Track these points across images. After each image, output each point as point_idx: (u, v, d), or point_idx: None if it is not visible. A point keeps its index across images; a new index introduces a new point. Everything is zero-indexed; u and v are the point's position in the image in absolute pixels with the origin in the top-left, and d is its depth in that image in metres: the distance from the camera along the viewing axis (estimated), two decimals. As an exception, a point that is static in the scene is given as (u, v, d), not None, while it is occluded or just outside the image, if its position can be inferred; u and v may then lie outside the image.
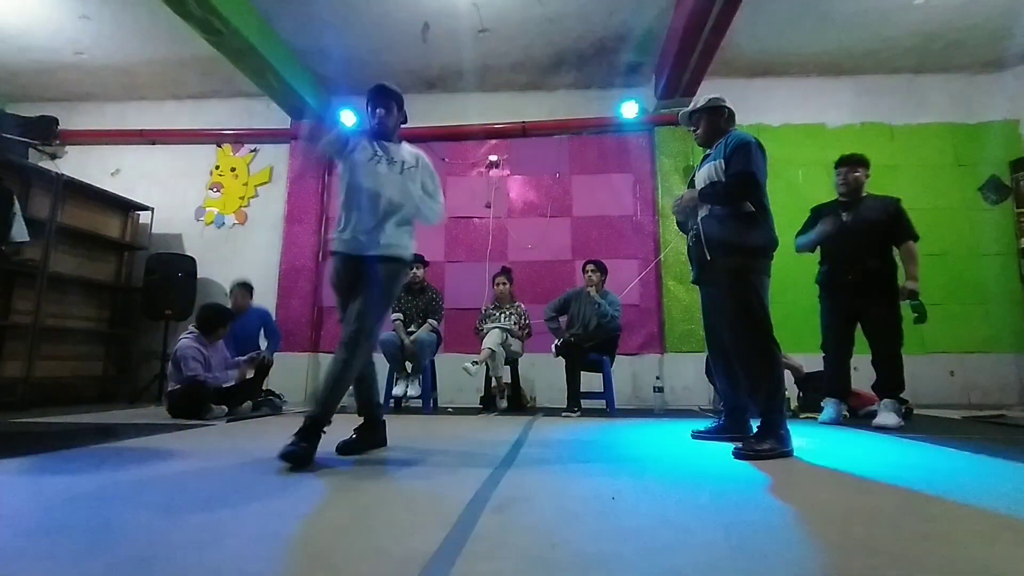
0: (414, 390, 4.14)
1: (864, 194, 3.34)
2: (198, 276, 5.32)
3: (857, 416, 3.48)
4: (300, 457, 1.82)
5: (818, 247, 3.41)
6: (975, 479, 1.68)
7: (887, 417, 2.97)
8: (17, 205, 3.39)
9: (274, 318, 4.64)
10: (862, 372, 3.25)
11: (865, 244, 3.19)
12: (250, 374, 3.90)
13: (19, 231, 3.36)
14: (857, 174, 3.31)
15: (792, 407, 3.76)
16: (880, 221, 3.21)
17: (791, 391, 3.70)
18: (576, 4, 4.48)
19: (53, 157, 5.91)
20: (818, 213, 3.49)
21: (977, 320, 4.98)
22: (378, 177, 2.16)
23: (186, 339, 3.59)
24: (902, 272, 3.23)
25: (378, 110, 2.27)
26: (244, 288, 4.40)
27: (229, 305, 4.17)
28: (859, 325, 3.28)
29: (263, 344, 4.30)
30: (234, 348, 4.02)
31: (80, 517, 1.24)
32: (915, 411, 3.61)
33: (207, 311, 3.76)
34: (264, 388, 4.15)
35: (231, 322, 3.82)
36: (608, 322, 4.07)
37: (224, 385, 3.62)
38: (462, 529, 1.14)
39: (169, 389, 3.56)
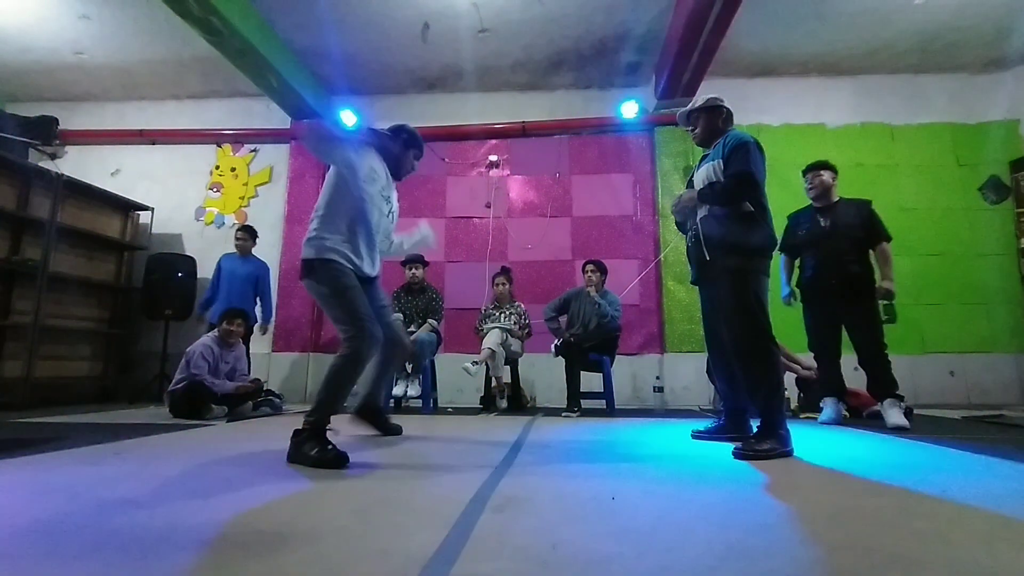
0: (414, 390, 4.14)
1: (837, 199, 3.40)
2: (198, 276, 5.32)
3: (859, 416, 3.49)
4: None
5: (799, 252, 3.49)
6: (975, 479, 1.68)
7: (896, 416, 2.97)
8: None
9: (271, 276, 4.84)
10: (862, 372, 3.25)
11: (845, 249, 3.25)
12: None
13: None
14: (822, 176, 3.38)
15: (792, 407, 3.76)
16: (856, 225, 3.27)
17: (791, 391, 3.71)
18: (576, 4, 4.48)
19: (53, 157, 5.91)
20: (796, 220, 3.53)
21: (977, 320, 4.98)
22: (380, 218, 2.34)
23: (203, 339, 3.70)
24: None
25: (417, 161, 2.56)
26: (246, 231, 4.79)
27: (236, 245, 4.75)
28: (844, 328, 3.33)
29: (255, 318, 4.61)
30: (228, 292, 4.46)
31: (80, 517, 1.24)
32: (915, 411, 3.62)
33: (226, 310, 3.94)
34: (264, 388, 4.15)
35: (241, 319, 3.85)
36: (608, 322, 4.06)
37: (222, 392, 3.62)
38: (462, 529, 1.14)
39: (169, 389, 3.57)
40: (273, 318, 4.96)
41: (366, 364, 2.15)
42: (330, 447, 1.88)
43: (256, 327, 4.56)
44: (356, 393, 2.42)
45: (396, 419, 2.82)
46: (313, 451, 1.86)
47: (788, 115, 5.43)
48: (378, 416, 2.67)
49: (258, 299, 4.72)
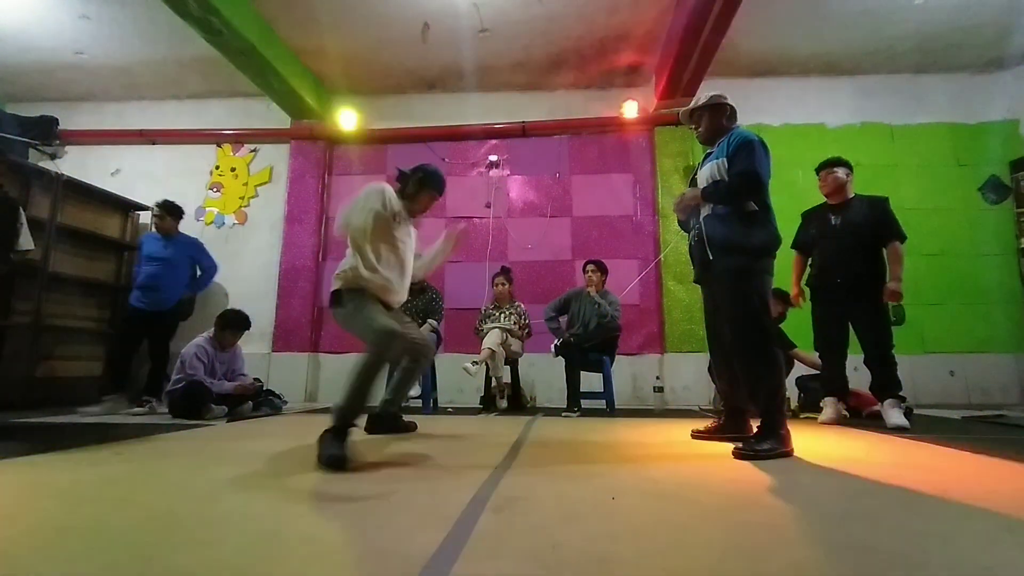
0: (414, 390, 4.14)
1: (852, 196, 3.36)
2: (198, 276, 5.32)
3: (859, 416, 3.49)
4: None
5: (810, 250, 3.46)
6: (975, 479, 1.68)
7: (897, 417, 2.97)
8: (23, 215, 3.47)
9: (207, 249, 4.51)
10: (862, 372, 3.25)
11: (854, 247, 3.21)
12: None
13: (25, 240, 3.45)
14: (836, 174, 3.34)
15: (792, 407, 3.76)
16: (868, 223, 3.22)
17: (791, 391, 3.71)
18: (576, 4, 4.48)
19: (53, 157, 5.91)
20: (808, 218, 3.52)
21: (977, 320, 4.98)
22: (407, 252, 2.49)
23: (196, 340, 3.68)
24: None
25: (434, 201, 2.59)
26: (163, 208, 4.28)
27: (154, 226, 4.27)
28: (851, 326, 3.30)
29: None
30: (162, 273, 4.10)
31: (80, 517, 1.24)
32: (915, 411, 3.62)
33: (224, 311, 3.90)
34: (264, 388, 4.15)
35: (243, 330, 3.86)
36: (608, 322, 4.06)
37: (220, 392, 3.62)
38: (462, 529, 1.14)
39: (168, 389, 3.57)
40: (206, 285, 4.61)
41: (387, 363, 2.22)
42: (335, 449, 1.85)
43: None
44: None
45: (396, 419, 2.83)
46: (322, 448, 1.86)
47: (788, 115, 5.43)
48: (391, 422, 2.73)
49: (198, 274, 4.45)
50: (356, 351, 5.21)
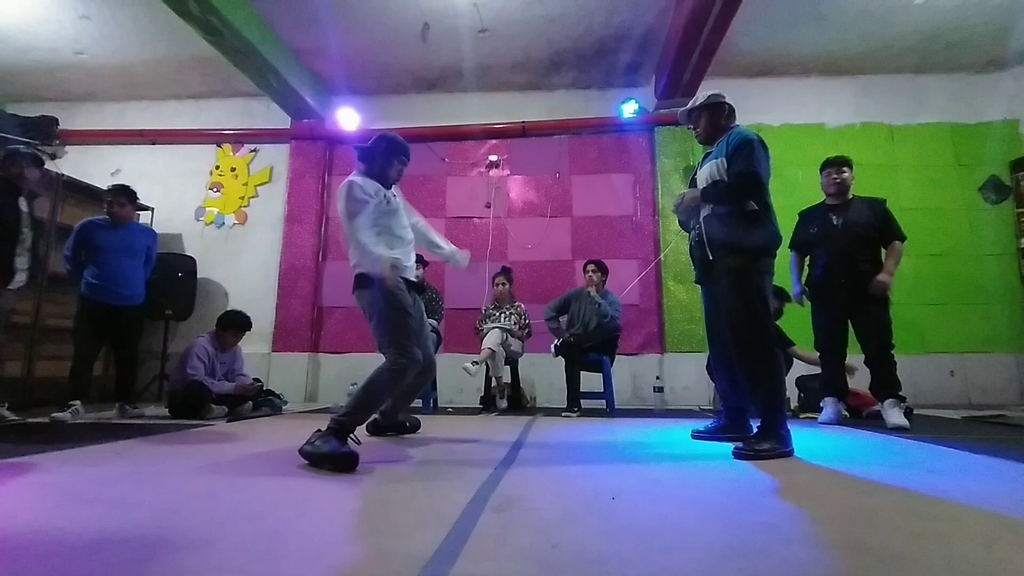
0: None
1: (851, 196, 3.36)
2: (198, 276, 5.32)
3: (859, 416, 3.49)
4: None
5: (809, 250, 3.45)
6: (975, 479, 1.68)
7: (897, 416, 2.97)
8: None
9: (158, 244, 4.10)
10: (863, 373, 3.25)
11: (856, 248, 3.21)
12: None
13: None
14: (845, 174, 3.33)
15: (792, 407, 3.76)
16: (869, 224, 3.23)
17: (791, 391, 3.71)
18: (576, 4, 4.48)
19: (53, 157, 5.90)
20: (807, 217, 3.50)
21: (977, 320, 4.98)
22: (406, 228, 2.50)
23: (198, 340, 3.69)
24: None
25: (403, 167, 2.53)
26: (121, 194, 3.86)
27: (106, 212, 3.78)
28: (851, 326, 3.30)
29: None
30: (115, 261, 3.68)
31: (80, 517, 1.24)
32: (915, 411, 3.62)
33: (226, 312, 3.92)
34: (264, 388, 4.14)
35: (244, 331, 3.87)
36: (608, 322, 4.06)
37: (220, 392, 3.62)
38: (462, 529, 1.14)
39: (169, 389, 3.57)
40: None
41: (407, 382, 2.24)
42: (345, 448, 1.87)
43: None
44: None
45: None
46: (327, 447, 1.85)
47: (788, 115, 5.42)
48: (393, 427, 2.73)
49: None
50: (356, 351, 5.26)
